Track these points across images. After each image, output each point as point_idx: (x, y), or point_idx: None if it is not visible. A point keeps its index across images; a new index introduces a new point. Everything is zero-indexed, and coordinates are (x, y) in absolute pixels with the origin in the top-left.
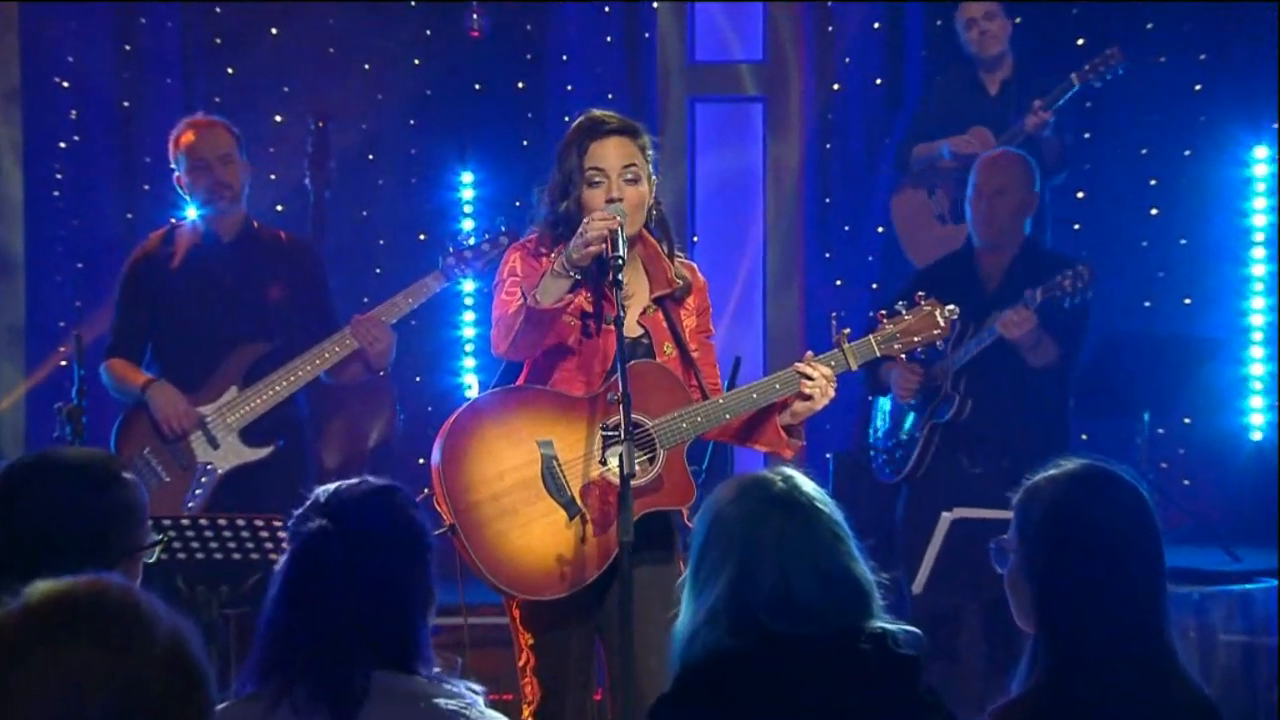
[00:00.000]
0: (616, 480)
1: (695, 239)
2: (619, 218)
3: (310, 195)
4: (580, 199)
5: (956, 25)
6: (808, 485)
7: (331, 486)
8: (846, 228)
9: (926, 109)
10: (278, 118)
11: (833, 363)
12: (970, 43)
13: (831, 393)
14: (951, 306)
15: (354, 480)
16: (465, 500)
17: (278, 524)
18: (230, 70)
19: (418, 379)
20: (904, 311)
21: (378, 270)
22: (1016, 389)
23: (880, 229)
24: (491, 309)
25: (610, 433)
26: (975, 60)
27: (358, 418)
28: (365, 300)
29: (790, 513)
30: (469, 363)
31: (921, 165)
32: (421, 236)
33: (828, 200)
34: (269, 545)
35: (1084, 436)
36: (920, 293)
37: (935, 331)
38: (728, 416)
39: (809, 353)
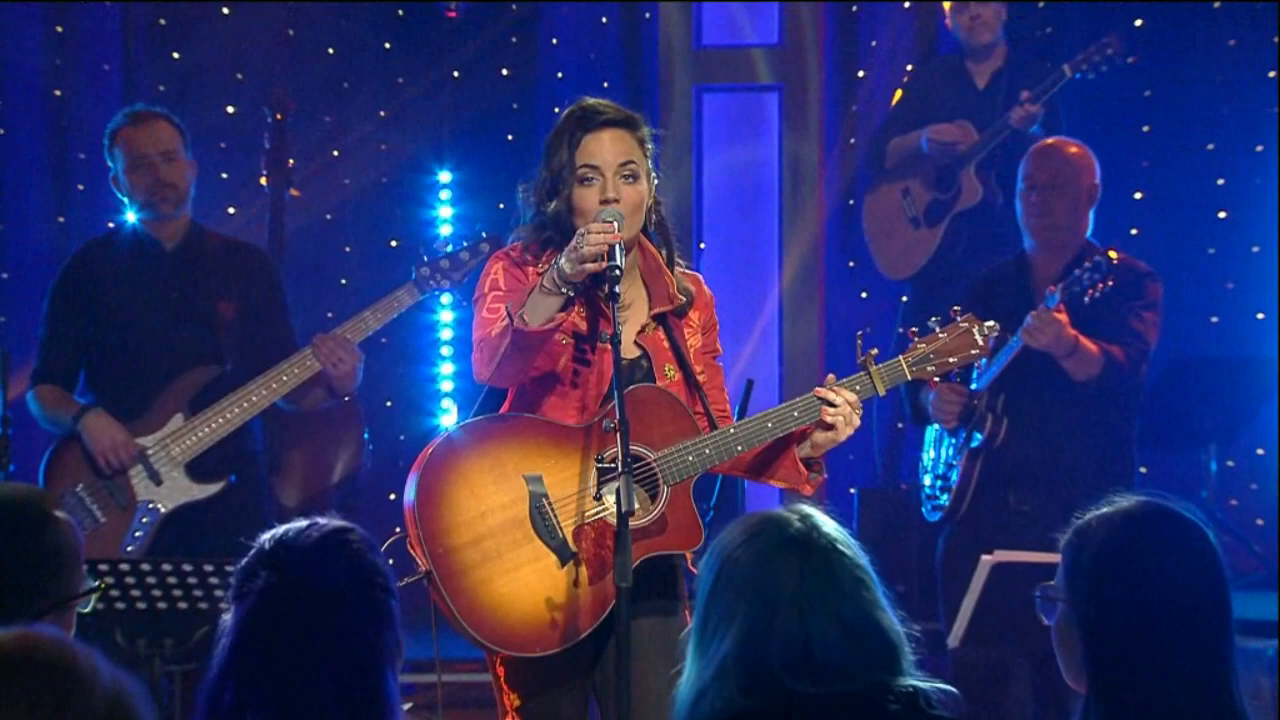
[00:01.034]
0: (612, 521)
1: (702, 246)
2: (617, 225)
3: (267, 197)
4: (571, 199)
5: (945, 10)
6: (828, 525)
7: (278, 531)
8: None
9: (905, 101)
10: (230, 109)
11: (858, 387)
12: (959, 28)
13: (856, 421)
14: (991, 323)
15: (302, 524)
16: (443, 544)
17: (230, 569)
18: (176, 55)
19: (389, 404)
20: (938, 329)
21: (344, 281)
22: (1068, 411)
23: None
24: (472, 328)
25: (607, 466)
26: (963, 49)
27: (321, 449)
28: (330, 315)
29: (809, 556)
30: (446, 386)
31: (900, 160)
32: (393, 243)
33: (852, 202)
34: (219, 594)
35: (1143, 469)
36: (956, 307)
37: (973, 351)
38: (739, 448)
39: (830, 376)
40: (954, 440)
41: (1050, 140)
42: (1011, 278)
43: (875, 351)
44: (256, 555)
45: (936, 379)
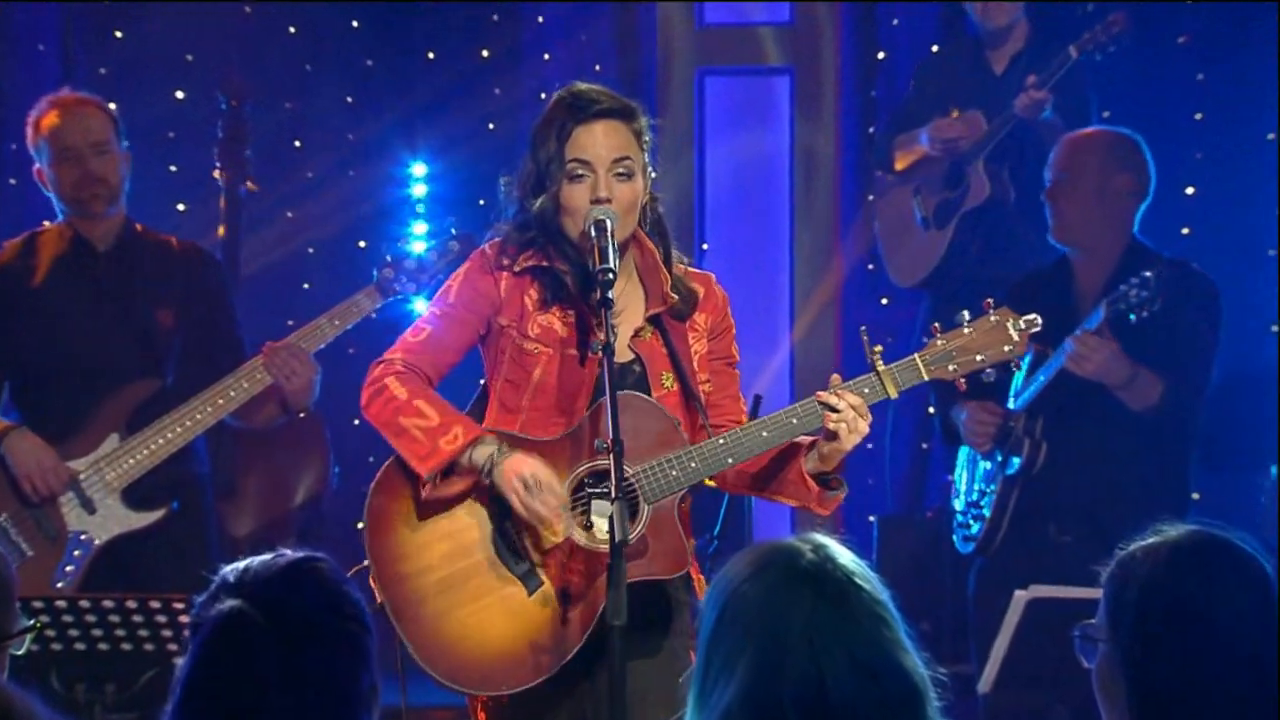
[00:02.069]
0: (588, 543)
1: (704, 247)
2: (611, 223)
3: (221, 192)
4: (559, 196)
5: None
6: (844, 557)
7: (240, 564)
8: None
9: (917, 91)
10: (179, 94)
11: (865, 390)
12: (973, 10)
13: (863, 428)
14: (1031, 316)
15: (267, 555)
16: (395, 572)
17: (179, 606)
18: (119, 34)
19: (357, 422)
20: (964, 323)
21: (306, 285)
22: (1116, 435)
23: None
24: (410, 325)
25: (596, 487)
26: (980, 32)
27: (279, 472)
28: (290, 323)
29: (823, 591)
30: None
31: (911, 160)
32: (361, 244)
33: (871, 198)
34: (167, 633)
35: (1195, 495)
36: (989, 300)
37: (1006, 348)
38: (730, 461)
39: (835, 376)
40: (988, 464)
41: (1078, 133)
42: (1051, 283)
43: (880, 349)
44: (220, 585)
45: (963, 382)
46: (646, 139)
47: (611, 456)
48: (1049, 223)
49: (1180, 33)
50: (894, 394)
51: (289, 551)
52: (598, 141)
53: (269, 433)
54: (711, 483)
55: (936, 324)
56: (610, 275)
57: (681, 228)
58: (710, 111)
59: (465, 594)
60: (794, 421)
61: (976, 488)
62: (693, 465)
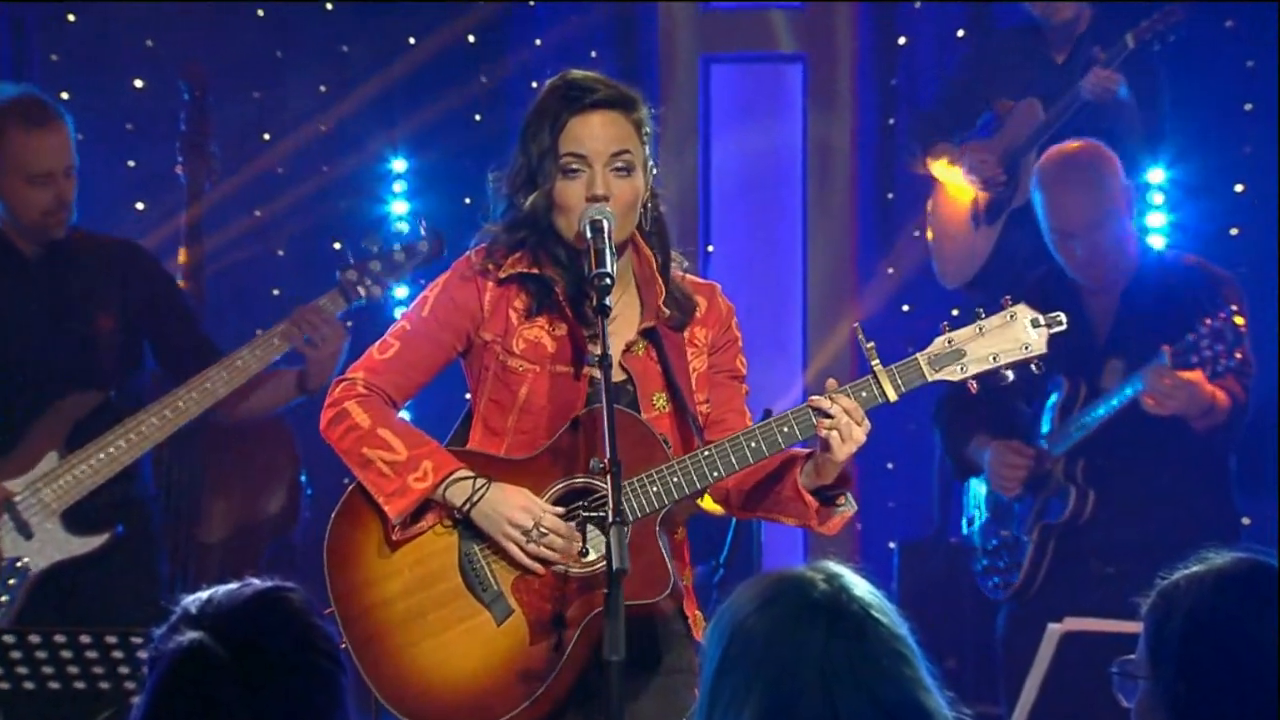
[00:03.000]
0: (561, 568)
1: (710, 249)
2: (608, 224)
3: (184, 189)
4: (552, 193)
5: None
6: (861, 588)
7: (203, 594)
8: (916, 232)
9: (958, 81)
10: (138, 83)
11: (863, 393)
12: (1033, 9)
13: (859, 435)
14: (1056, 314)
15: (232, 584)
16: (355, 605)
17: (136, 640)
18: (71, 17)
19: None
20: (979, 320)
21: (275, 291)
22: (1163, 472)
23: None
24: (386, 333)
25: (582, 507)
26: (1041, 25)
27: (246, 495)
28: (259, 332)
29: (837, 624)
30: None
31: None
32: (336, 245)
33: (890, 196)
34: (124, 670)
35: (1246, 521)
36: (1008, 296)
37: (1025, 348)
38: (715, 475)
39: (831, 381)
40: (1021, 508)
41: (1058, 146)
42: (1050, 297)
43: (873, 345)
44: (181, 617)
45: (974, 385)
46: (647, 131)
47: (609, 477)
48: (1070, 264)
49: (1227, 16)
50: (893, 397)
51: (256, 580)
52: (595, 134)
53: (236, 452)
54: (717, 507)
55: (946, 322)
56: (607, 280)
57: (685, 229)
58: (716, 102)
59: (430, 626)
60: (785, 430)
61: (1008, 532)
62: (675, 479)
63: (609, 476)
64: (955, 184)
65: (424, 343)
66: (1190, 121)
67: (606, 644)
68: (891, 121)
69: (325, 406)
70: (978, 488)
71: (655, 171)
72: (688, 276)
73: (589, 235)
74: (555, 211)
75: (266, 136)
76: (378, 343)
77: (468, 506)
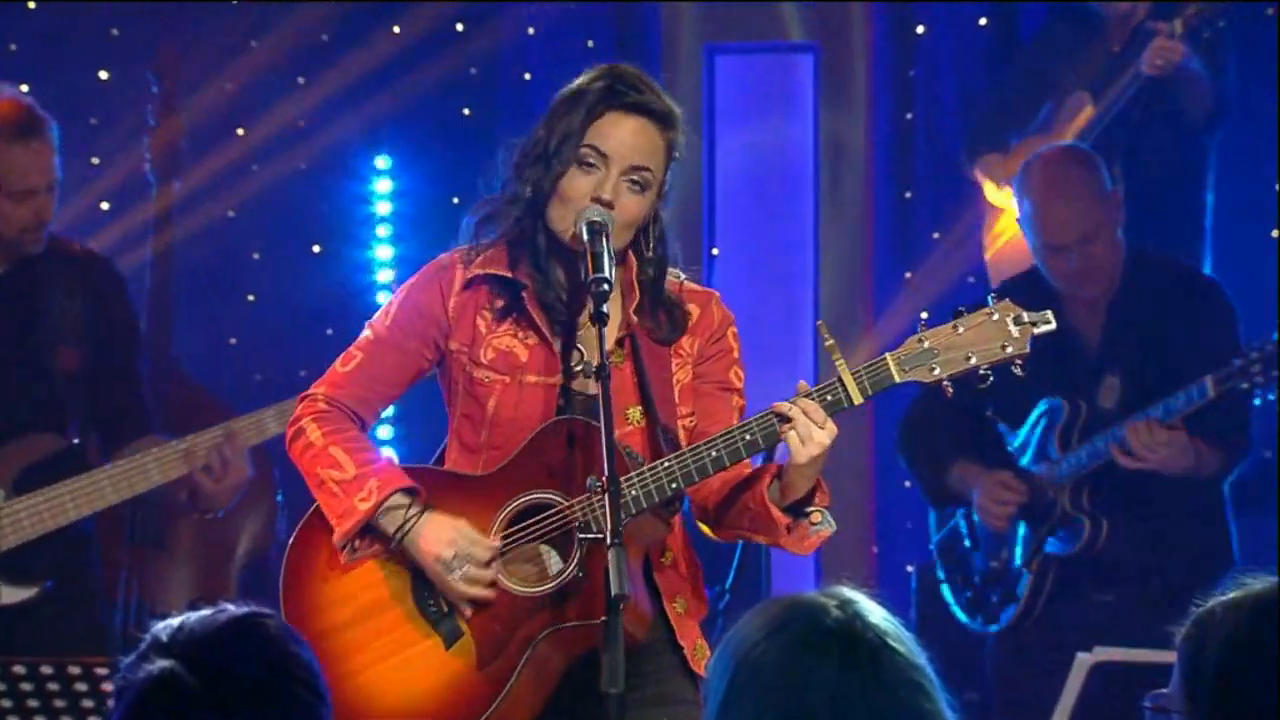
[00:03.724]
0: (518, 588)
1: (714, 252)
2: (607, 226)
3: (151, 188)
4: (559, 180)
5: None
6: (876, 615)
7: (174, 620)
8: (936, 234)
9: (1014, 78)
10: (103, 74)
11: (828, 396)
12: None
13: (820, 438)
14: (1043, 312)
15: (205, 610)
16: (309, 630)
17: (101, 671)
18: (32, 4)
19: None
20: (958, 318)
21: (250, 298)
22: (1159, 490)
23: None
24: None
25: (522, 525)
26: (1096, 14)
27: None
28: (232, 341)
29: (851, 654)
30: (383, 432)
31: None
32: (315, 249)
33: (908, 195)
34: (88, 704)
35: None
36: (993, 291)
37: (1005, 347)
38: (674, 487)
39: (801, 384)
40: (1016, 538)
41: (1035, 167)
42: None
43: (833, 344)
44: (150, 644)
45: (949, 388)
46: (677, 155)
47: (607, 496)
48: (1059, 277)
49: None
50: (858, 399)
51: (230, 607)
52: (624, 137)
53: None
54: (707, 530)
55: (922, 319)
56: (605, 286)
57: (687, 231)
58: (722, 95)
59: (378, 651)
60: (746, 438)
61: (998, 563)
62: (634, 493)
63: (606, 496)
64: (1005, 206)
65: (388, 353)
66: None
67: (605, 675)
68: (909, 116)
69: (289, 421)
70: (963, 516)
71: (667, 203)
72: (686, 285)
73: (586, 237)
74: (556, 198)
75: (240, 131)
76: (341, 355)
77: (399, 537)
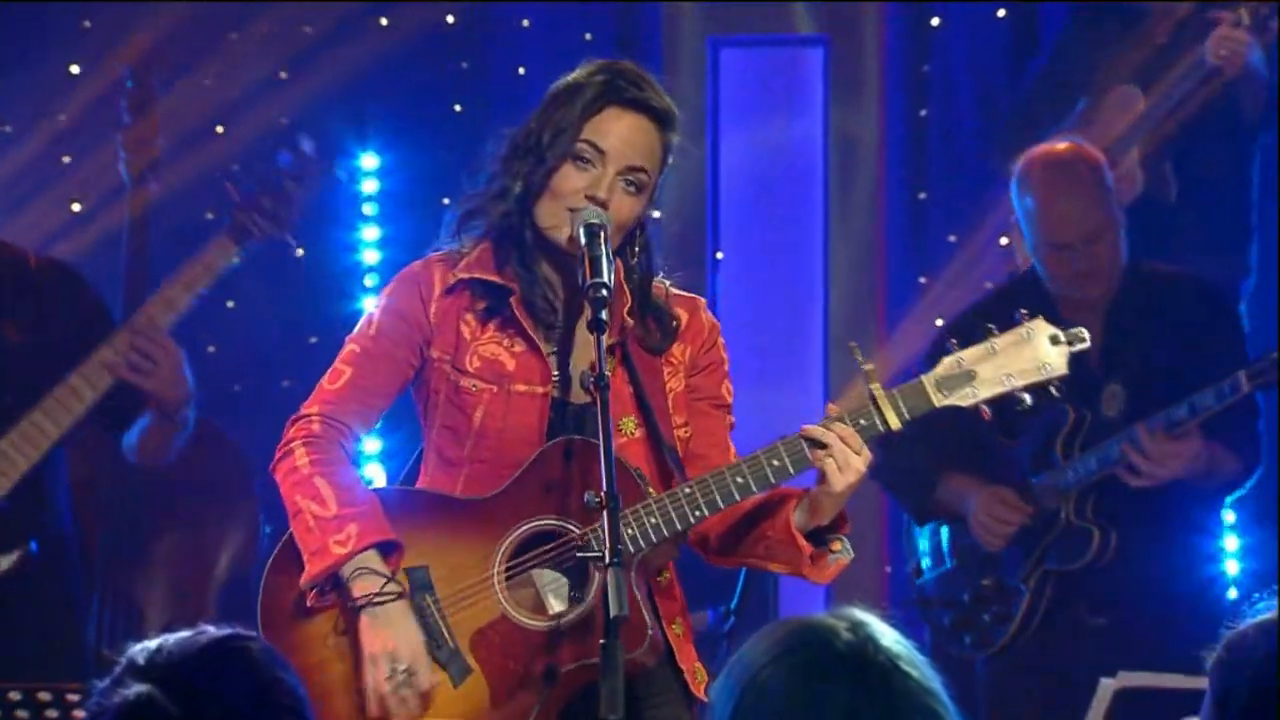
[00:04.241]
0: (529, 621)
1: (719, 256)
2: (605, 229)
3: (125, 187)
4: (551, 175)
5: None
6: (889, 637)
7: (151, 643)
8: (952, 237)
9: (1051, 71)
10: (74, 68)
11: (861, 420)
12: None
13: (858, 465)
14: (1078, 329)
15: (185, 632)
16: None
17: (73, 697)
18: None
19: None
20: (991, 337)
21: (230, 304)
22: (1164, 502)
23: (1005, 239)
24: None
25: (528, 551)
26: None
27: (197, 535)
28: (210, 350)
29: (862, 679)
30: (370, 445)
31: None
32: (299, 251)
33: (923, 196)
34: None
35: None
36: (1023, 310)
37: (1044, 369)
38: (698, 514)
39: (831, 406)
40: (1012, 553)
41: (1036, 164)
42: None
43: (872, 367)
44: (126, 667)
45: (986, 411)
46: (671, 161)
47: (605, 513)
48: (1060, 278)
49: None
50: (896, 425)
51: (211, 629)
52: (624, 135)
53: (183, 487)
54: (705, 555)
55: (954, 339)
56: (604, 292)
57: (690, 235)
58: (726, 91)
59: None
60: (775, 463)
61: (990, 581)
62: (653, 520)
63: (605, 513)
64: None
65: (378, 364)
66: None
67: (604, 702)
68: (924, 113)
69: (279, 444)
70: (937, 531)
71: (658, 209)
72: (671, 291)
73: (584, 241)
74: (545, 195)
75: (220, 129)
76: (327, 373)
77: (362, 604)
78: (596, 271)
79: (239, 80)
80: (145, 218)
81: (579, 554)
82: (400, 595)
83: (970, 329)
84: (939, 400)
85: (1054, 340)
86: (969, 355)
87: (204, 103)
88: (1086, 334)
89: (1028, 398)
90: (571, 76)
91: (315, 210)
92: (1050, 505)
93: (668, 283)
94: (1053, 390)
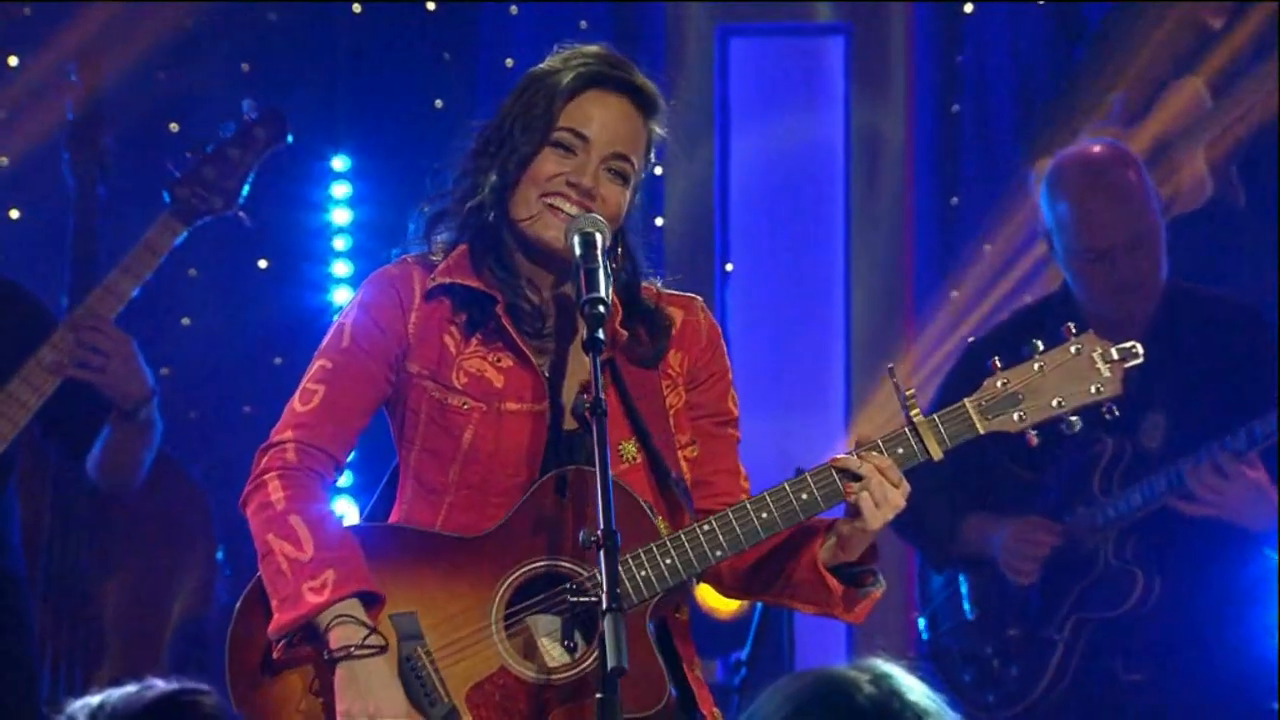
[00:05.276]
0: (531, 674)
1: (729, 268)
2: (601, 237)
3: (71, 193)
4: (530, 159)
5: None
6: (916, 691)
7: (94, 699)
8: (988, 246)
9: (1089, 60)
10: (12, 60)
11: (899, 449)
12: None
13: (896, 499)
14: (1129, 344)
15: (131, 686)
16: None
17: None
18: None
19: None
20: (1037, 355)
21: (185, 321)
22: (1211, 545)
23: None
24: (301, 381)
25: (527, 595)
26: None
27: (150, 575)
28: (164, 373)
29: None
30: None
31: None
32: (262, 264)
33: (954, 200)
34: None
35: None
36: (1070, 325)
37: (1094, 388)
38: (718, 554)
39: (863, 431)
40: (1043, 599)
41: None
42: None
43: (913, 392)
44: None
45: (1034, 436)
46: (652, 155)
47: (602, 553)
48: (1097, 291)
49: None
50: (938, 454)
51: (160, 682)
52: (608, 119)
53: (130, 518)
54: (725, 603)
55: (996, 357)
56: (601, 309)
57: (697, 243)
58: (737, 84)
59: None
60: (803, 496)
61: (1017, 631)
62: (668, 562)
63: (602, 553)
64: None
65: (353, 381)
66: None
67: None
68: (956, 108)
69: (250, 476)
70: (955, 578)
71: (638, 200)
72: (663, 291)
73: (579, 252)
74: (522, 181)
75: (174, 127)
76: (296, 394)
77: (339, 656)
78: (593, 285)
79: (197, 73)
80: (92, 226)
81: (573, 599)
82: (383, 649)
83: (1000, 350)
84: (983, 426)
85: (1106, 358)
86: (1014, 376)
87: (157, 98)
88: (1140, 348)
89: (1077, 421)
90: (547, 62)
91: (280, 217)
92: (1086, 544)
93: (658, 283)
94: (1104, 413)
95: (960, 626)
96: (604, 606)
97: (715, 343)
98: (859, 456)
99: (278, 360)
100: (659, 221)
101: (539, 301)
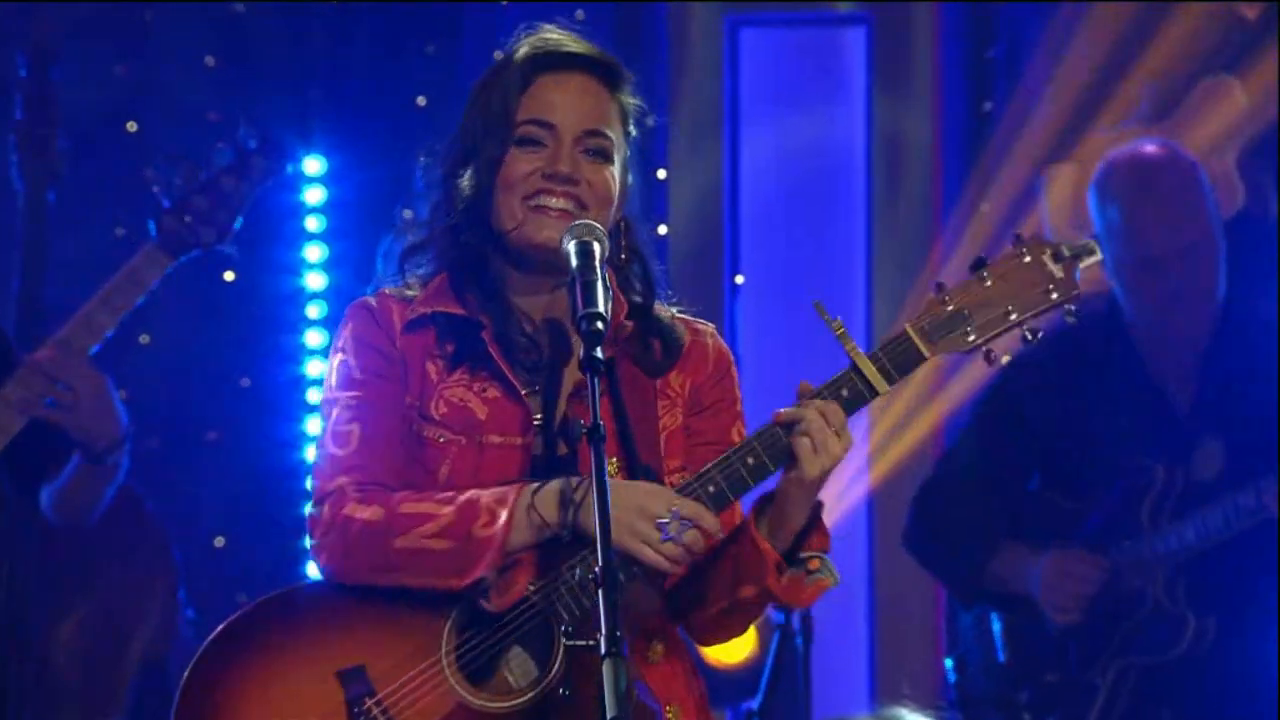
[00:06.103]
0: (489, 703)
1: (739, 280)
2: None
3: (19, 196)
4: (497, 164)
5: None
6: None
7: None
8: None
9: (1116, 56)
10: None
11: (843, 390)
12: None
13: (835, 449)
14: (1085, 242)
15: None
16: None
17: None
18: None
19: (219, 543)
20: (984, 268)
21: (144, 339)
22: (1268, 582)
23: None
24: (318, 443)
25: (481, 633)
26: None
27: (110, 616)
28: (121, 395)
29: None
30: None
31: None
32: (228, 275)
33: (985, 207)
34: None
35: None
36: (1017, 233)
37: (1051, 293)
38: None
39: (804, 384)
40: (1084, 641)
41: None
42: (1104, 349)
43: (839, 321)
44: None
45: (993, 355)
46: (632, 130)
47: (600, 590)
48: (1149, 303)
49: None
50: (883, 387)
51: None
52: (569, 100)
53: (88, 555)
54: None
55: (939, 281)
56: (599, 325)
57: (705, 253)
58: (748, 79)
59: None
60: (750, 461)
61: (1056, 676)
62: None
63: (600, 590)
64: None
65: (383, 413)
66: None
67: None
68: (988, 106)
69: (315, 542)
70: (985, 616)
71: (633, 181)
72: (676, 315)
73: (576, 263)
74: (497, 190)
75: (133, 127)
76: (328, 443)
77: (572, 512)
78: (590, 300)
79: (158, 69)
80: (43, 234)
81: (567, 642)
82: (584, 478)
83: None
84: (929, 350)
85: (1057, 256)
86: (957, 293)
87: (114, 95)
88: (1096, 245)
89: (1040, 330)
90: (490, 68)
91: (248, 225)
92: (1132, 581)
93: (673, 309)
94: (1067, 316)
95: (992, 670)
96: (603, 651)
97: (724, 370)
98: (801, 405)
99: (245, 382)
100: (662, 230)
101: (529, 325)
